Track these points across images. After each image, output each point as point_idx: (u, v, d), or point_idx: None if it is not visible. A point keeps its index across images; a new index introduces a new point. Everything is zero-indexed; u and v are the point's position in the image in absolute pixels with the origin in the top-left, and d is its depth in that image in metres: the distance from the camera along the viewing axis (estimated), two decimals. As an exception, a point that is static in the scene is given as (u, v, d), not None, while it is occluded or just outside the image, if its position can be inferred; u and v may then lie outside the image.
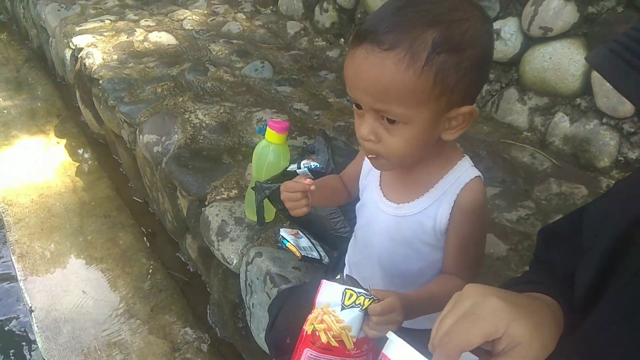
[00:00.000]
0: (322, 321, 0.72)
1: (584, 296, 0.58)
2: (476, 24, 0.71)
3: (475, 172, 0.83)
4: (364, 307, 0.71)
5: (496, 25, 1.97)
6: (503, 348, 0.53)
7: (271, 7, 3.24)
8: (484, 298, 0.54)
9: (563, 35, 1.79)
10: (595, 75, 1.73)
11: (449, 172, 0.83)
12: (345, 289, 0.72)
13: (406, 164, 0.82)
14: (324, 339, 0.72)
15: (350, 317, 0.72)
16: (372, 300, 0.72)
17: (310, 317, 0.74)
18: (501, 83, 2.05)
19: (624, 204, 0.56)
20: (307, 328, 0.74)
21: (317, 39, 2.83)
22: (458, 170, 0.83)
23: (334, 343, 0.72)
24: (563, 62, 1.79)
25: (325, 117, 2.09)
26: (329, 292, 0.73)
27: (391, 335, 0.57)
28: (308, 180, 0.92)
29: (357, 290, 0.72)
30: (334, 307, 0.72)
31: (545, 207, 1.62)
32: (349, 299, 0.72)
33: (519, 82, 1.98)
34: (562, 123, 1.84)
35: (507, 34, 1.94)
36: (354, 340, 0.73)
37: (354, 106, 0.78)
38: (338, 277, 0.78)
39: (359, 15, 2.61)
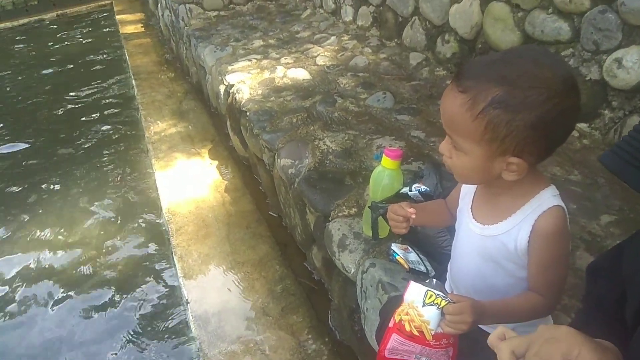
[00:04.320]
0: (407, 313, 0.92)
1: (633, 323, 0.68)
2: (543, 93, 0.81)
3: (556, 202, 0.93)
4: (441, 306, 0.89)
5: (618, 54, 1.97)
6: None
7: (395, 40, 3.47)
8: (559, 327, 0.66)
9: (690, 62, 1.75)
10: None
11: (530, 200, 0.94)
12: (427, 290, 0.90)
13: (471, 183, 1.02)
14: (407, 327, 0.91)
15: (429, 313, 0.90)
16: (448, 302, 0.89)
17: (399, 309, 0.94)
18: (624, 110, 2.02)
19: None
20: (396, 317, 0.93)
21: (437, 69, 2.99)
22: (539, 199, 0.94)
23: (416, 332, 0.91)
24: (690, 89, 1.74)
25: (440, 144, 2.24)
26: (414, 291, 0.92)
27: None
28: (411, 210, 1.14)
29: (436, 292, 0.90)
30: (417, 304, 0.91)
31: (664, 237, 1.59)
32: (429, 298, 0.90)
33: (643, 110, 1.94)
34: (690, 152, 1.77)
35: (630, 62, 1.92)
36: (433, 333, 0.90)
37: None
38: (427, 280, 0.96)
39: (480, 46, 2.72)
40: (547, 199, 0.94)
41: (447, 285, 1.22)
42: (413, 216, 1.14)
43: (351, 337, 1.92)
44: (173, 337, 2.28)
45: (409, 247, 1.62)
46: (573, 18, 2.14)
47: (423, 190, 1.61)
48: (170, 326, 2.34)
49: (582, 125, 2.18)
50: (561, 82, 0.83)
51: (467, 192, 1.11)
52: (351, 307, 1.83)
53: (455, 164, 0.94)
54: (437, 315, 0.90)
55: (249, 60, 3.49)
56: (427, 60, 3.10)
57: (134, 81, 5.33)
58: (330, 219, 1.92)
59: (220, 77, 3.44)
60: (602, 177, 1.91)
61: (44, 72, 6.32)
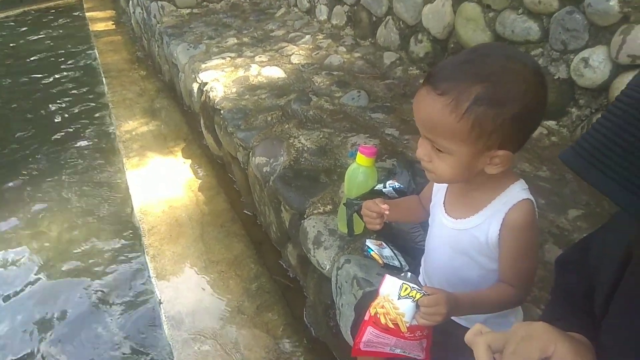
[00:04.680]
0: (382, 306, 0.92)
1: (601, 315, 0.70)
2: (521, 85, 0.83)
3: (524, 195, 0.96)
4: (416, 299, 0.90)
5: (584, 53, 2.03)
6: None
7: (370, 39, 3.49)
8: (533, 324, 0.67)
9: (652, 62, 1.82)
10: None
11: (500, 195, 0.97)
12: (402, 283, 0.91)
13: (454, 183, 1.01)
14: (383, 320, 0.92)
15: (405, 306, 0.91)
16: (423, 294, 0.90)
17: (374, 302, 0.94)
18: (591, 108, 2.08)
19: (621, 231, 0.68)
20: (371, 311, 0.94)
21: (411, 68, 3.02)
22: (509, 193, 0.97)
23: (391, 325, 0.91)
24: (652, 88, 1.81)
25: (414, 142, 2.27)
26: (390, 285, 0.93)
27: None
28: (385, 206, 1.15)
29: (412, 285, 0.91)
30: (392, 297, 0.92)
31: (628, 230, 1.65)
32: (404, 291, 0.91)
33: (608, 108, 2.00)
34: (652, 148, 1.84)
35: (596, 62, 1.99)
36: (407, 325, 0.91)
37: None
38: (403, 274, 0.97)
39: (452, 45, 2.76)
40: (517, 192, 0.97)
41: (420, 279, 1.24)
42: (387, 212, 1.15)
43: (326, 334, 1.92)
44: (146, 338, 2.24)
45: (383, 243, 1.63)
46: (542, 18, 2.20)
47: (397, 186, 1.62)
48: (143, 327, 2.30)
49: (550, 123, 2.24)
50: (533, 74, 0.86)
51: (439, 188, 1.13)
52: (326, 303, 1.84)
53: (438, 167, 0.93)
54: (412, 308, 0.91)
55: (223, 58, 3.46)
56: (400, 60, 3.13)
57: (104, 79, 5.22)
58: (305, 216, 1.92)
59: (193, 75, 3.40)
60: (569, 173, 1.96)
61: (10, 69, 6.14)
